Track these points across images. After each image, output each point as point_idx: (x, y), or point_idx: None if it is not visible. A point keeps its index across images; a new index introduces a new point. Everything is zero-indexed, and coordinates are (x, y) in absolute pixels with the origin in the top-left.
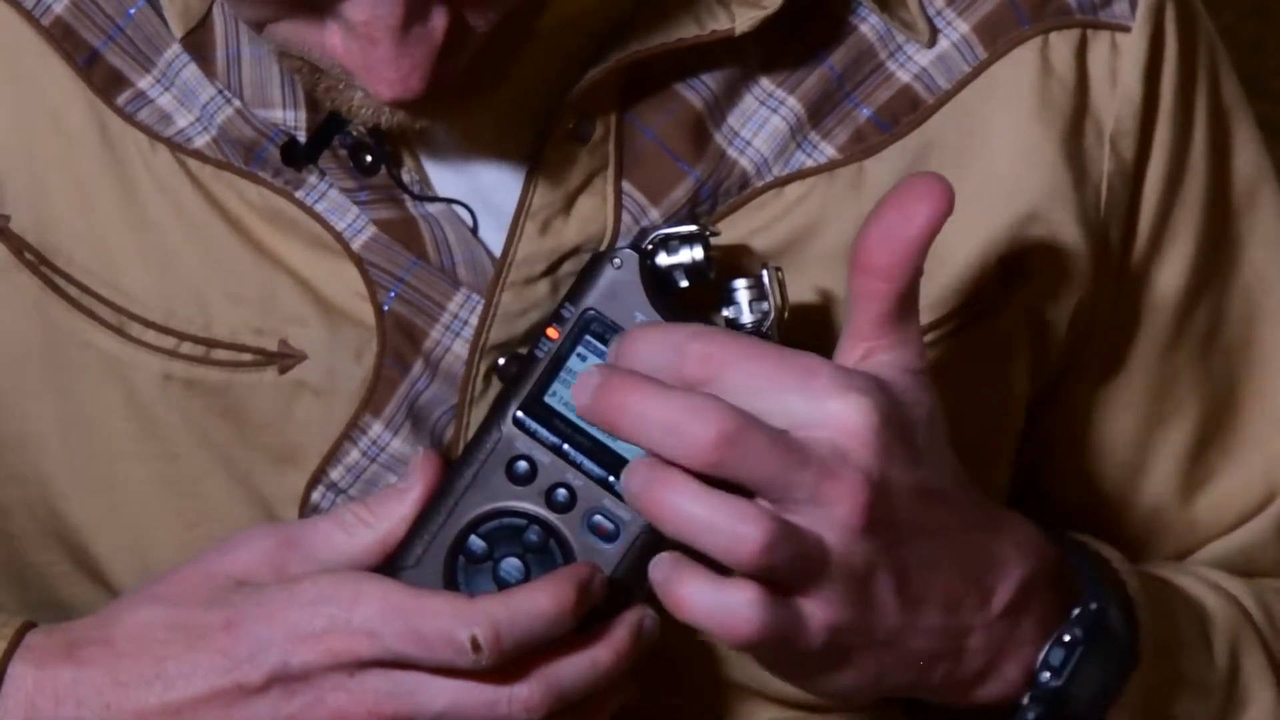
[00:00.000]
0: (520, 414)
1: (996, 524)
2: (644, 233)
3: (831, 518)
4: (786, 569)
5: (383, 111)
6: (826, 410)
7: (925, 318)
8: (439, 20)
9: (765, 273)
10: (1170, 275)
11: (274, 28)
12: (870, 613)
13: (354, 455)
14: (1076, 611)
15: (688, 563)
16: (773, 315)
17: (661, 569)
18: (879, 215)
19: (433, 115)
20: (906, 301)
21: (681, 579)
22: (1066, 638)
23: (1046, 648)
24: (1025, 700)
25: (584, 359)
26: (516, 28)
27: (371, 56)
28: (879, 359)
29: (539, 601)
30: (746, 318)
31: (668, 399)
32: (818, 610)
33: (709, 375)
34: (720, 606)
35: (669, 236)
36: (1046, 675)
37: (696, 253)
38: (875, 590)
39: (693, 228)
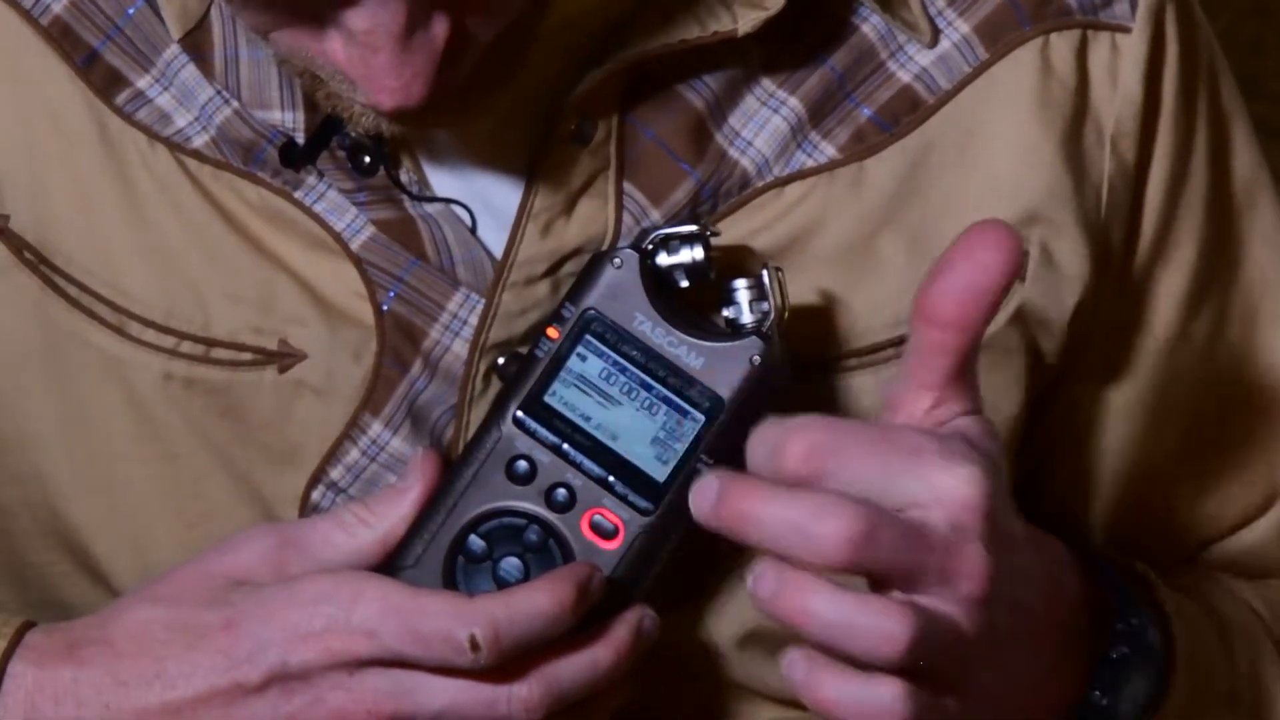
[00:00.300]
0: (520, 413)
1: (1042, 548)
2: (644, 233)
3: (959, 595)
4: (928, 655)
5: (383, 120)
6: (938, 487)
7: None
8: (440, 28)
9: (765, 273)
10: (1173, 277)
11: (277, 36)
12: (1000, 673)
13: (354, 455)
14: (1120, 627)
15: (824, 660)
16: (773, 315)
17: (799, 668)
18: (949, 266)
19: (434, 124)
20: (974, 352)
21: (823, 679)
22: (1113, 655)
23: (1096, 666)
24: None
25: (584, 359)
26: (519, 36)
27: (373, 64)
28: (948, 409)
29: (538, 600)
30: (747, 318)
31: (792, 502)
32: (958, 687)
33: (816, 470)
34: (867, 702)
35: (669, 236)
36: (1097, 693)
37: (697, 253)
38: (1002, 651)
39: (693, 228)
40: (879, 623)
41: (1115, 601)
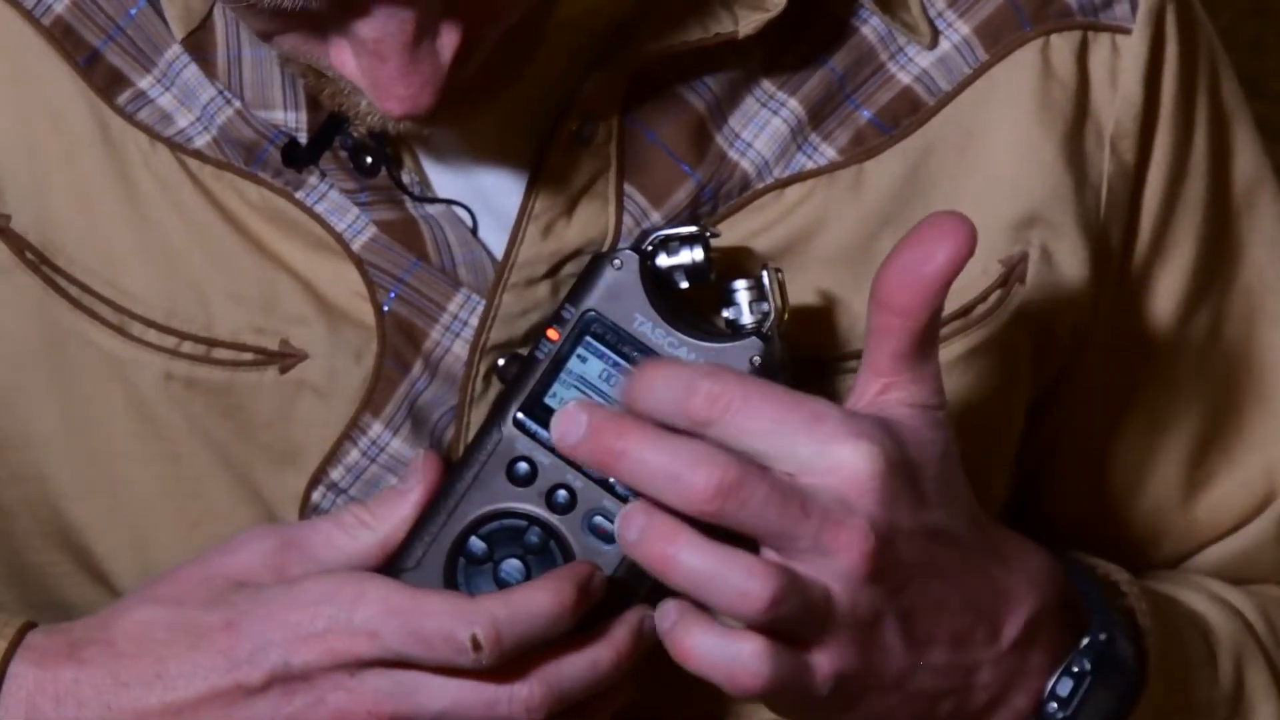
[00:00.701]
0: (521, 415)
1: (1006, 556)
2: (644, 234)
3: (836, 567)
4: (793, 620)
5: (389, 120)
6: (831, 457)
7: None
8: (449, 37)
9: (765, 274)
10: (1171, 277)
11: (281, 39)
12: (877, 658)
13: (354, 455)
14: (1085, 642)
15: (694, 612)
16: (773, 316)
17: (667, 616)
18: (900, 252)
19: (440, 123)
20: (925, 338)
21: (688, 629)
22: (1075, 669)
23: (1054, 679)
24: None
25: (584, 360)
26: (527, 37)
27: (381, 73)
28: (894, 395)
29: (539, 600)
30: (746, 319)
31: (665, 445)
32: (824, 659)
33: (716, 416)
34: (727, 658)
35: (669, 238)
36: (1054, 706)
37: (697, 254)
38: (881, 636)
39: (693, 229)
40: (740, 579)
41: (1087, 614)
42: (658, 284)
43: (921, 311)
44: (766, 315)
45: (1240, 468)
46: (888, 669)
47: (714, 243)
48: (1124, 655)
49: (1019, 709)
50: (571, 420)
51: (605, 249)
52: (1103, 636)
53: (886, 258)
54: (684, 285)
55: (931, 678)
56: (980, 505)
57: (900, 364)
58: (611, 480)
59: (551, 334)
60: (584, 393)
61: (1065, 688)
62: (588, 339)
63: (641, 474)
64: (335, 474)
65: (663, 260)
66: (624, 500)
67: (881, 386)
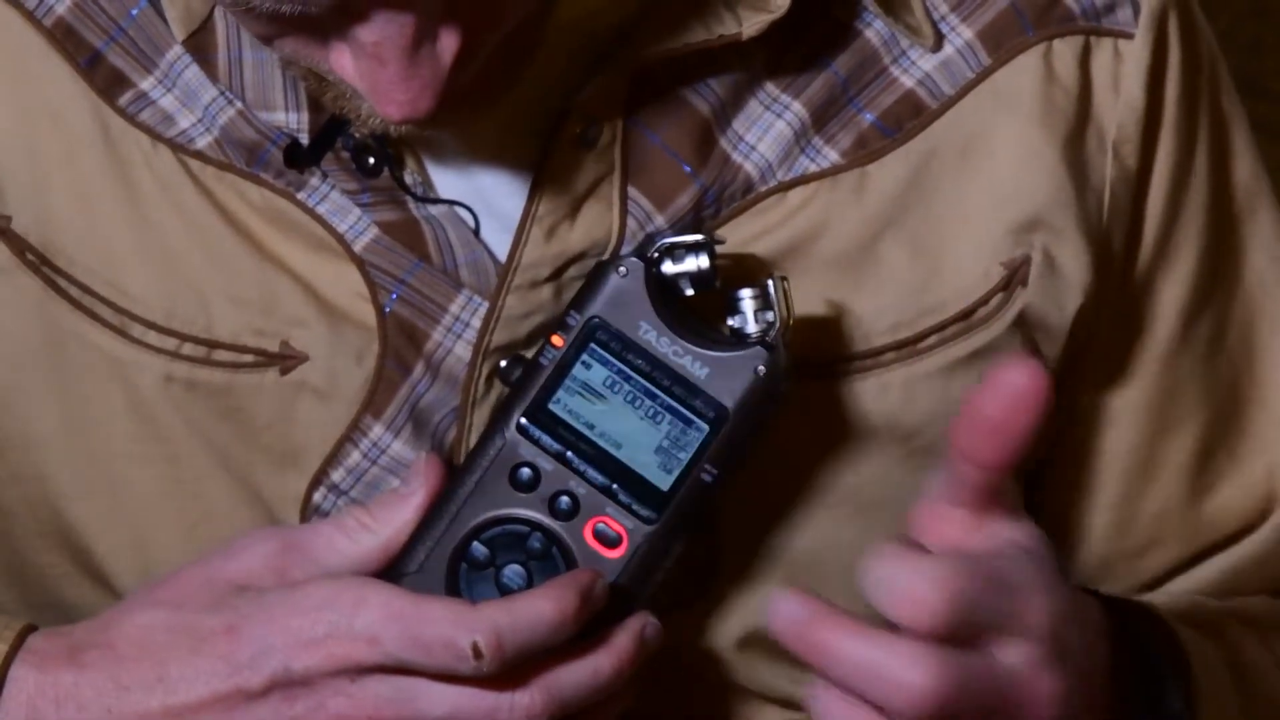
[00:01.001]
0: (524, 421)
1: (1086, 623)
2: (649, 240)
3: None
4: None
5: (389, 123)
6: (1022, 626)
7: (925, 323)
8: (448, 41)
9: (771, 282)
10: (1174, 282)
11: (281, 43)
12: None
13: (355, 457)
14: (1144, 696)
15: None
16: (778, 325)
17: None
18: (981, 409)
19: (440, 126)
20: (1008, 478)
21: None
22: None
23: None
24: None
25: (589, 367)
26: (527, 39)
27: (380, 77)
28: (993, 520)
29: (541, 607)
30: (752, 327)
31: (875, 644)
32: None
33: (917, 619)
34: None
35: (674, 245)
36: None
37: (702, 261)
38: None
39: (698, 236)
40: None
41: (1138, 661)
42: (663, 291)
43: (1004, 464)
44: (772, 324)
45: (1243, 472)
46: None
47: (719, 249)
48: (1176, 708)
49: None
50: (784, 612)
51: (609, 253)
52: (1154, 689)
53: (968, 410)
54: (689, 293)
55: None
56: None
57: (988, 501)
58: (614, 487)
59: (556, 340)
60: (588, 399)
61: None
62: (592, 346)
63: (847, 672)
64: (336, 476)
65: (668, 267)
66: (626, 508)
67: (974, 515)
